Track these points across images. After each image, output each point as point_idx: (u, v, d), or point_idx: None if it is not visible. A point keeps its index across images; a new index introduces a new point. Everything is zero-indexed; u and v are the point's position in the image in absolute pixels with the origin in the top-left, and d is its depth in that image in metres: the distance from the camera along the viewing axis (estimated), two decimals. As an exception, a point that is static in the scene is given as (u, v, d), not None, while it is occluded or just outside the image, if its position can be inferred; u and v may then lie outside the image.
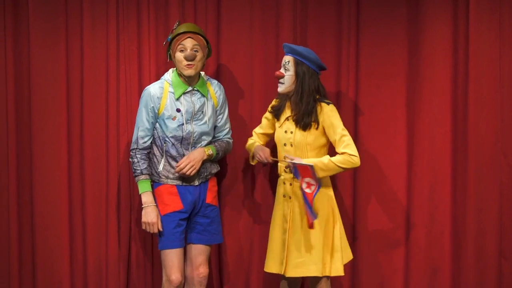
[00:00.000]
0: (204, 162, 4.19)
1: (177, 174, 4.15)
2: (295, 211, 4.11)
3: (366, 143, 4.55)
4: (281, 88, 4.12)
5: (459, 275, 4.49)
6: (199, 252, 4.23)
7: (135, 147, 4.19)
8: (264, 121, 4.32)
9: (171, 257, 4.15)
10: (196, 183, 4.20)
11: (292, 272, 4.10)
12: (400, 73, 4.52)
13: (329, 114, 4.07)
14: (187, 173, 4.12)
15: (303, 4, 4.55)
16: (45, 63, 4.58)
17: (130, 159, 4.20)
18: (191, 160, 4.13)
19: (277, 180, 4.23)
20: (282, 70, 4.10)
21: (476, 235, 4.45)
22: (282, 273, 4.12)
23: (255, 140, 4.33)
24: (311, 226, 4.03)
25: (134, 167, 4.17)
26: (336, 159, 4.02)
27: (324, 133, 4.10)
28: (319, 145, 4.11)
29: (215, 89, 4.28)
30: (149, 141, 4.19)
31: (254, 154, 4.20)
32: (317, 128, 4.08)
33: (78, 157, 4.61)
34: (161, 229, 4.14)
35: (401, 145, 4.53)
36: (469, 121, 4.43)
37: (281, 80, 4.10)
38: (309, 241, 4.08)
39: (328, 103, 4.10)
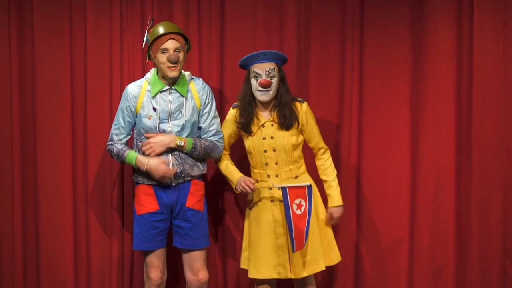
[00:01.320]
0: (181, 160, 4.10)
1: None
2: None
3: (370, 142, 4.56)
4: (268, 96, 4.08)
5: (463, 275, 4.49)
6: (194, 257, 4.18)
7: (110, 142, 4.18)
8: (225, 136, 4.22)
9: (150, 257, 4.15)
10: (173, 183, 4.12)
11: (301, 273, 4.10)
12: (404, 72, 4.52)
13: (307, 114, 4.15)
14: (146, 152, 4.05)
15: (307, 3, 4.55)
16: (49, 60, 4.56)
17: (109, 153, 4.19)
18: (152, 144, 4.04)
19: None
20: (267, 78, 4.06)
21: (480, 234, 4.45)
22: (288, 277, 4.10)
23: (227, 162, 4.24)
24: (298, 248, 4.03)
25: (116, 153, 4.14)
26: (334, 175, 4.21)
27: (301, 131, 4.14)
28: (299, 143, 4.17)
29: (198, 89, 4.19)
30: (125, 140, 4.17)
31: (237, 187, 4.13)
32: (297, 128, 4.11)
33: (82, 155, 4.58)
34: (173, 169, 4.07)
35: (405, 145, 4.53)
36: (473, 121, 4.44)
37: (267, 88, 4.07)
38: (312, 239, 4.09)
39: (301, 101, 4.16)
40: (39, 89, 4.57)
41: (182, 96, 4.13)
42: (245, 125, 4.15)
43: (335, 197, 4.18)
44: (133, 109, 4.13)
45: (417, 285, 4.53)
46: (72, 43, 4.57)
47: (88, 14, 4.54)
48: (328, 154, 4.23)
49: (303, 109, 4.13)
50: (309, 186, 4.05)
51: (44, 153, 4.58)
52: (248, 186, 4.08)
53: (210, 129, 4.19)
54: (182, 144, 4.08)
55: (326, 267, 4.19)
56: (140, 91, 4.13)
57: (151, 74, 4.17)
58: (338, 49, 4.56)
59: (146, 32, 4.19)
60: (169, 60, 4.03)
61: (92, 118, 4.57)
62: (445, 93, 4.48)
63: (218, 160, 4.25)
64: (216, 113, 4.25)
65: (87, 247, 4.61)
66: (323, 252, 4.13)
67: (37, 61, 4.56)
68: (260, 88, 4.07)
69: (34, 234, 4.62)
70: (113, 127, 4.19)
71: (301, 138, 4.16)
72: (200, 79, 4.27)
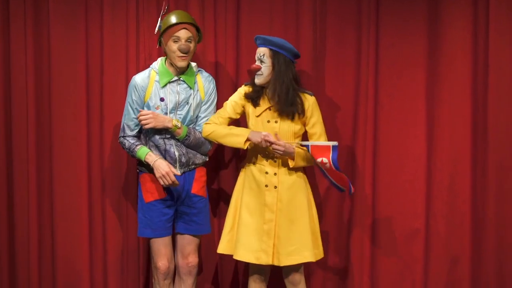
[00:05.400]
0: (185, 149, 4.14)
1: None
2: (282, 200, 4.13)
3: (386, 133, 4.55)
4: (259, 80, 4.11)
5: (479, 265, 4.49)
6: (187, 242, 4.24)
7: (122, 135, 4.20)
8: (230, 106, 4.19)
9: (158, 245, 4.19)
10: (179, 172, 4.15)
11: (286, 261, 4.11)
12: (420, 63, 4.51)
13: (313, 106, 4.17)
14: (141, 121, 4.05)
15: (323, -6, 4.56)
16: (64, 52, 4.56)
17: (121, 145, 4.20)
18: (153, 117, 4.05)
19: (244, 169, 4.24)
20: (258, 63, 4.10)
21: (496, 225, 4.45)
22: (271, 263, 4.11)
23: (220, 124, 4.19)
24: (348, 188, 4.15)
25: (127, 147, 4.16)
26: None
27: (304, 123, 4.18)
28: (302, 133, 4.21)
29: (204, 81, 4.23)
30: (136, 129, 4.18)
31: (252, 138, 4.06)
32: (302, 118, 4.14)
33: (98, 145, 4.59)
34: (178, 173, 4.09)
35: (421, 135, 4.53)
36: (489, 111, 4.44)
37: (258, 72, 4.10)
38: (299, 228, 4.12)
39: (311, 94, 4.20)
40: (54, 80, 4.57)
41: (190, 87, 4.15)
42: (254, 99, 4.16)
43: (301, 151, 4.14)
44: (141, 100, 4.14)
45: (433, 275, 4.53)
46: (88, 34, 4.57)
47: (104, 4, 4.54)
48: None
49: (310, 102, 4.16)
50: (334, 146, 4.03)
51: (60, 144, 4.58)
52: (268, 139, 4.02)
53: (204, 120, 4.21)
54: (179, 126, 4.10)
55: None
56: (148, 82, 4.15)
57: (158, 64, 4.19)
58: (354, 40, 4.55)
59: (159, 18, 4.19)
60: (180, 50, 4.07)
61: (108, 108, 4.56)
62: (461, 84, 4.47)
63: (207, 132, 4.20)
64: (215, 109, 4.26)
65: (103, 236, 4.61)
66: (313, 245, 4.15)
67: (53, 51, 4.56)
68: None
69: (50, 224, 4.62)
70: (123, 119, 4.21)
71: (304, 128, 4.20)
72: (206, 72, 4.29)
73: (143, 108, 4.16)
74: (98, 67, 4.58)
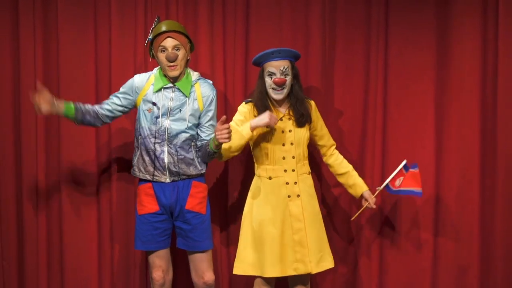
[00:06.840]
0: (176, 158, 4.08)
1: (148, 169, 4.11)
2: (307, 209, 4.12)
3: (395, 142, 4.56)
4: (282, 95, 4.08)
5: (487, 275, 4.49)
6: (199, 259, 4.17)
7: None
8: (237, 126, 4.10)
9: (152, 257, 4.16)
10: (168, 180, 4.11)
11: (317, 268, 4.11)
12: (429, 73, 4.53)
13: (316, 110, 4.22)
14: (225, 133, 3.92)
15: (332, 3, 4.56)
16: (73, 55, 4.54)
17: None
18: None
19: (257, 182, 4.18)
20: (281, 77, 4.06)
21: (504, 235, 4.45)
22: (308, 272, 4.07)
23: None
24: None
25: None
26: (350, 165, 4.31)
27: (310, 128, 4.21)
28: (309, 139, 4.23)
29: (203, 91, 4.16)
30: (106, 107, 4.14)
31: (259, 123, 3.97)
32: (310, 123, 4.17)
33: (107, 150, 4.57)
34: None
35: (429, 145, 4.53)
36: (498, 121, 4.45)
37: (282, 87, 4.07)
38: (321, 235, 4.14)
39: (310, 99, 4.24)
40: (63, 82, 4.54)
41: (185, 95, 4.13)
42: None
43: (361, 182, 4.26)
44: (131, 98, 4.14)
45: (441, 285, 4.53)
46: (96, 37, 4.56)
47: (112, 8, 4.52)
48: (336, 150, 4.31)
49: (313, 106, 4.20)
50: (405, 165, 4.23)
51: (68, 148, 4.55)
52: (274, 119, 4.01)
53: (206, 128, 4.14)
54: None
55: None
56: (145, 84, 4.14)
57: (157, 69, 4.19)
58: (363, 49, 4.56)
59: (150, 31, 4.16)
60: (167, 59, 4.05)
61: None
62: (470, 93, 4.49)
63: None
64: (215, 118, 4.20)
65: (111, 244, 4.58)
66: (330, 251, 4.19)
67: (62, 54, 4.54)
68: (274, 86, 4.07)
69: (59, 232, 4.58)
70: (113, 95, 4.19)
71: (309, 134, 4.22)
72: (210, 81, 4.24)
73: (126, 105, 4.14)
74: (107, 71, 4.55)
